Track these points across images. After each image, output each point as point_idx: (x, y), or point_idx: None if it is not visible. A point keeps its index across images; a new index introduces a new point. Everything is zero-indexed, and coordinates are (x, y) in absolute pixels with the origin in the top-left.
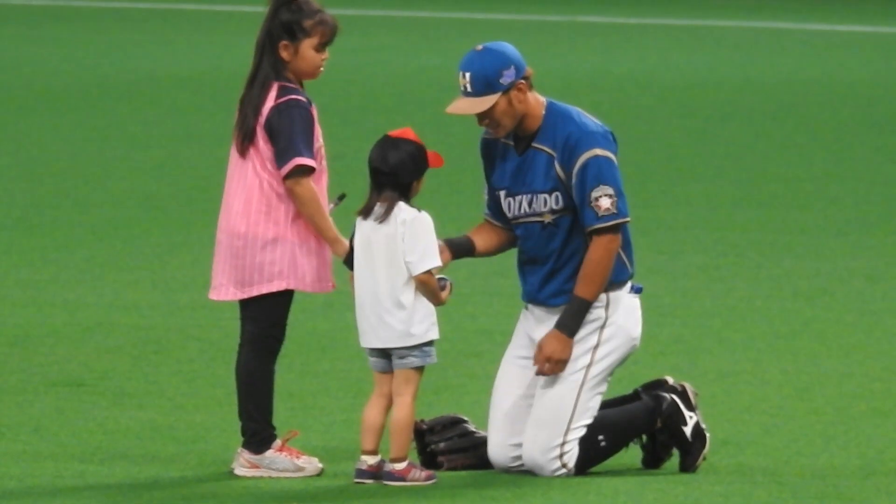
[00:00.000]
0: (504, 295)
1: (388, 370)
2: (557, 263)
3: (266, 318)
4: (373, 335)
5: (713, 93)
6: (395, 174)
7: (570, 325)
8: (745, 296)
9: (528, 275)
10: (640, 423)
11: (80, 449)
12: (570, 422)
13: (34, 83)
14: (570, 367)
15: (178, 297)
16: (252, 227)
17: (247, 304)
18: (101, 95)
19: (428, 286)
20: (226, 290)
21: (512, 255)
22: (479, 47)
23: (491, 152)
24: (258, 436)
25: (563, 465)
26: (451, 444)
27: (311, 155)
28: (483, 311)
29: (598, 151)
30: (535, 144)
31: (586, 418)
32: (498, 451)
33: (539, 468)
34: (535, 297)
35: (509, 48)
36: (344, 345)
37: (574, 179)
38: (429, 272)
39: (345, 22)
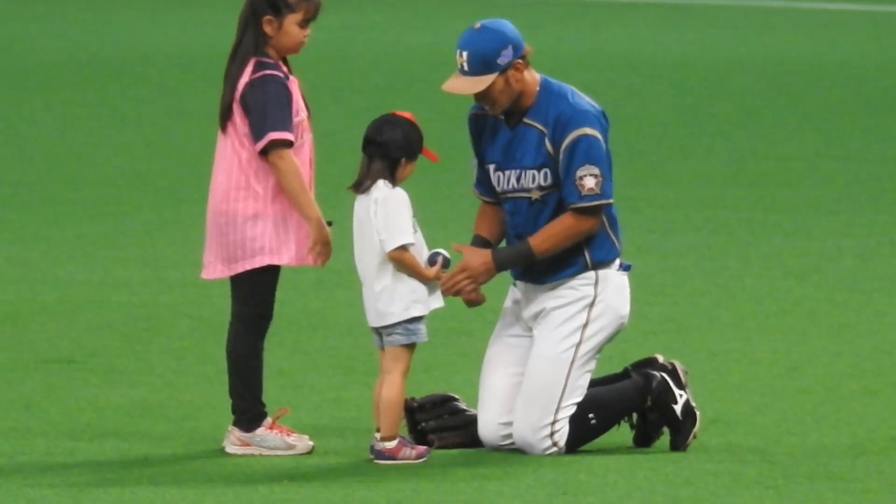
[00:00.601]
0: None
1: (382, 347)
2: None
3: (252, 296)
4: (368, 314)
5: (704, 71)
6: (386, 146)
7: (501, 259)
8: (735, 274)
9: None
10: (631, 402)
11: (71, 426)
12: (560, 400)
13: (25, 60)
14: (559, 346)
15: (168, 274)
16: (232, 203)
17: (235, 283)
18: (91, 73)
19: (403, 263)
20: (214, 267)
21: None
22: (478, 25)
23: (480, 126)
24: (248, 413)
25: (554, 444)
26: (441, 423)
27: (288, 128)
28: None
29: (589, 131)
30: (526, 120)
31: (576, 396)
32: (488, 429)
33: (530, 447)
34: (522, 273)
35: (508, 26)
36: (334, 323)
37: (562, 156)
38: (402, 248)
39: (335, 0)
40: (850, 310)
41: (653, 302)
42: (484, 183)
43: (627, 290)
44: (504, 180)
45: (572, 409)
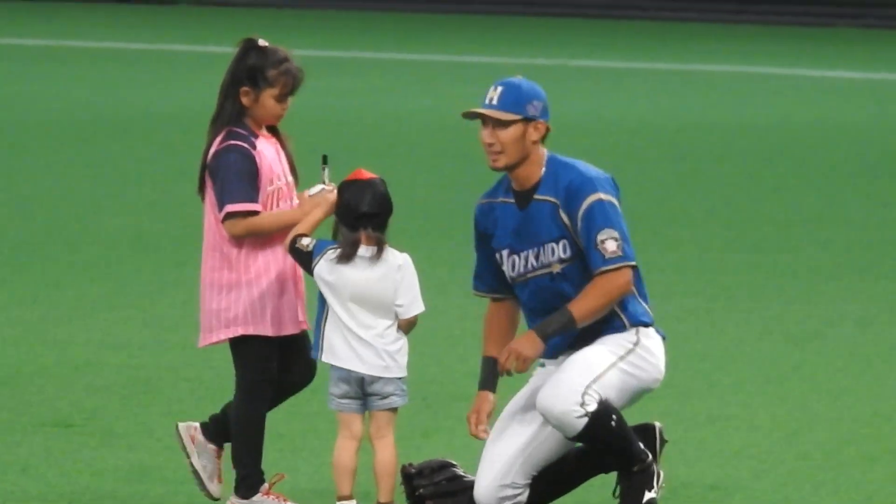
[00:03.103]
0: None
1: (360, 411)
2: None
3: (245, 363)
4: (357, 362)
5: (704, 136)
6: (384, 214)
7: (546, 331)
8: (735, 339)
9: (549, 346)
10: (636, 444)
11: (69, 489)
12: (597, 379)
13: (27, 120)
14: (600, 350)
15: (168, 336)
16: (209, 272)
17: (232, 350)
18: (93, 133)
19: (412, 327)
20: (200, 336)
21: None
22: (519, 76)
23: (488, 217)
24: (247, 480)
25: (583, 405)
26: (439, 489)
27: (247, 199)
28: (473, 354)
29: (602, 196)
30: (537, 196)
31: (605, 392)
32: (485, 491)
33: (557, 403)
34: (553, 350)
35: (544, 93)
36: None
37: (579, 224)
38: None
39: (336, 64)
40: (850, 375)
41: None
42: (485, 278)
43: (664, 354)
44: (521, 263)
45: (601, 397)
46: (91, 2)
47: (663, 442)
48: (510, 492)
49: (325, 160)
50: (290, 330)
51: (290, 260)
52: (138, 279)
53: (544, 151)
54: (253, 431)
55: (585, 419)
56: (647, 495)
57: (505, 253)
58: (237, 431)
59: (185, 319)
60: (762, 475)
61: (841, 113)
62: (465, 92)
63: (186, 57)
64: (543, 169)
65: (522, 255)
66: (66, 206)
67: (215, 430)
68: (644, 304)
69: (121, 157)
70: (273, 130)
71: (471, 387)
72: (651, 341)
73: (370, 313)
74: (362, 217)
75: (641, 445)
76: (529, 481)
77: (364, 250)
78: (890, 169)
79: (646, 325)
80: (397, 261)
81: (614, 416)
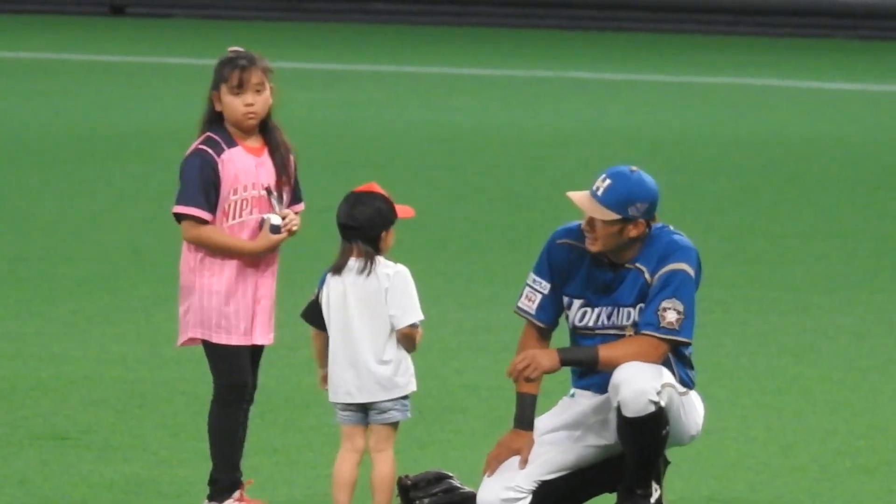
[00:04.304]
0: (490, 350)
1: (362, 424)
2: None
3: (215, 368)
4: (354, 390)
5: (701, 148)
6: (364, 228)
7: (567, 355)
8: (731, 352)
9: (590, 377)
10: (660, 468)
11: (65, 502)
12: (671, 387)
13: (22, 136)
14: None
15: (163, 350)
16: (180, 276)
17: (206, 356)
18: (89, 149)
19: (410, 339)
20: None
21: (497, 310)
22: (634, 168)
23: (570, 258)
24: (217, 485)
25: (658, 395)
26: (435, 500)
27: (197, 203)
28: (469, 367)
29: (687, 268)
30: (629, 265)
31: (669, 403)
32: (489, 491)
33: (640, 380)
34: (590, 383)
35: (655, 187)
36: (327, 400)
37: (655, 282)
38: (412, 325)
39: (333, 76)
40: (846, 388)
41: None
42: (548, 311)
43: (703, 417)
44: (592, 316)
45: (674, 394)
46: (85, 14)
47: (666, 463)
48: (513, 494)
49: (269, 192)
50: (237, 341)
51: (249, 272)
52: (134, 294)
53: (646, 232)
54: (224, 437)
55: (654, 407)
56: (654, 494)
57: (577, 303)
58: (210, 436)
59: None
60: (758, 487)
61: (837, 125)
62: (463, 104)
63: (182, 70)
64: (641, 244)
65: (596, 310)
66: (63, 222)
67: (212, 487)
68: (691, 371)
69: (117, 173)
70: (268, 140)
71: (467, 399)
72: (697, 400)
73: (367, 329)
74: (343, 229)
75: (660, 478)
76: (534, 488)
77: (353, 262)
78: (886, 182)
79: (690, 388)
80: (389, 270)
81: (667, 427)
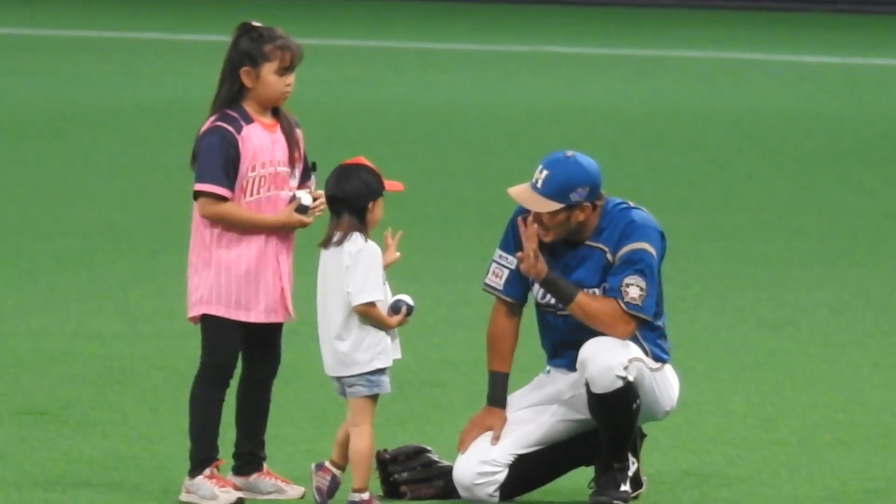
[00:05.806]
0: (468, 325)
1: (344, 396)
2: None
3: (205, 344)
4: (328, 363)
5: (677, 124)
6: (350, 199)
7: (554, 276)
8: (709, 326)
9: (563, 355)
10: (634, 443)
11: (44, 477)
12: (639, 361)
13: None
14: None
15: (142, 326)
16: (190, 252)
17: (202, 333)
18: (65, 125)
19: (368, 317)
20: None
21: (474, 285)
22: (570, 153)
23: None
24: (192, 460)
25: (626, 370)
26: (414, 474)
27: (218, 181)
28: (448, 341)
29: (648, 247)
30: (589, 242)
31: (639, 378)
32: (464, 465)
33: (605, 356)
34: (569, 362)
35: (594, 167)
36: (307, 375)
37: (617, 262)
38: (370, 304)
39: (310, 51)
40: (824, 362)
41: None
42: (516, 286)
43: (678, 391)
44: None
45: (643, 368)
46: None
47: (642, 436)
48: (488, 468)
49: (314, 167)
50: (256, 318)
51: (270, 248)
52: (111, 270)
53: (601, 205)
54: (202, 412)
55: (622, 382)
56: (623, 487)
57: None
58: (190, 411)
59: (159, 309)
60: (737, 461)
61: (814, 99)
62: (439, 80)
63: (158, 45)
64: (598, 220)
65: None
66: (39, 198)
67: (190, 461)
68: (665, 343)
69: (93, 149)
70: (278, 117)
71: (444, 373)
72: (671, 374)
73: (331, 304)
74: (331, 201)
75: (636, 451)
76: (510, 462)
77: (337, 236)
78: (863, 156)
79: (664, 361)
80: (354, 248)
81: (638, 401)
